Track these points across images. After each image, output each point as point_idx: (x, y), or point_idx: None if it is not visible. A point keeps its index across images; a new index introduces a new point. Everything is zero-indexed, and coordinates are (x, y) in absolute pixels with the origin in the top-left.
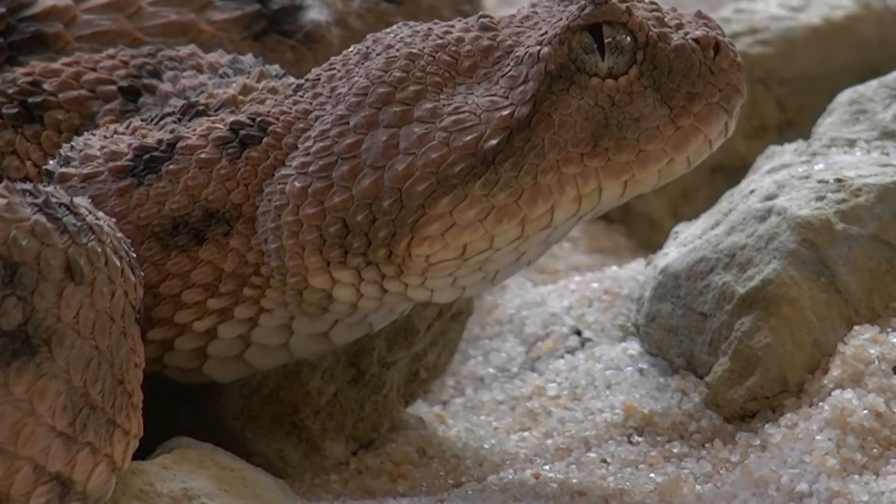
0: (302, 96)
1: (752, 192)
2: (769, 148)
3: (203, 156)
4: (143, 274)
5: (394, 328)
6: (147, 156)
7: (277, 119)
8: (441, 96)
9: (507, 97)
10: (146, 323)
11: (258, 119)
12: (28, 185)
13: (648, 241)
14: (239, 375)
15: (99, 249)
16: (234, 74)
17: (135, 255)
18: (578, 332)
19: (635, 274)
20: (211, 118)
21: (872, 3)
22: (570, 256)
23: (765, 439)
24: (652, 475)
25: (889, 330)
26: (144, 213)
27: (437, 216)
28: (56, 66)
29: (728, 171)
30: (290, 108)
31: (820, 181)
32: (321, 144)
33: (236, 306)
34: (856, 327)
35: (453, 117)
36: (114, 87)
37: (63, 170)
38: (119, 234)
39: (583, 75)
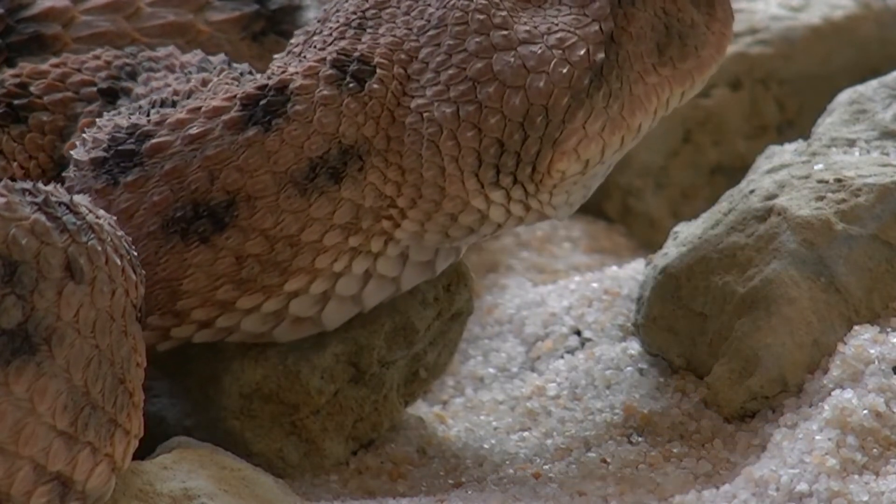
0: (358, 33)
1: (752, 192)
2: (769, 148)
3: (325, 92)
4: (143, 272)
5: (393, 327)
6: (263, 101)
7: (372, 52)
8: (523, 18)
9: (585, 15)
10: (280, 275)
11: (354, 55)
12: (28, 184)
13: (648, 241)
14: (346, 318)
15: (99, 248)
16: (197, 73)
17: (136, 254)
18: (578, 332)
19: (635, 274)
20: (296, 55)
21: (872, 3)
22: (570, 256)
23: (765, 439)
24: (652, 475)
25: (889, 330)
26: (282, 159)
27: (573, 130)
28: (44, 67)
29: (728, 171)
30: (377, 42)
31: (820, 181)
32: (449, 72)
33: (371, 239)
34: (856, 327)
35: (556, 35)
36: (95, 89)
37: (155, 141)
38: (120, 233)
39: None
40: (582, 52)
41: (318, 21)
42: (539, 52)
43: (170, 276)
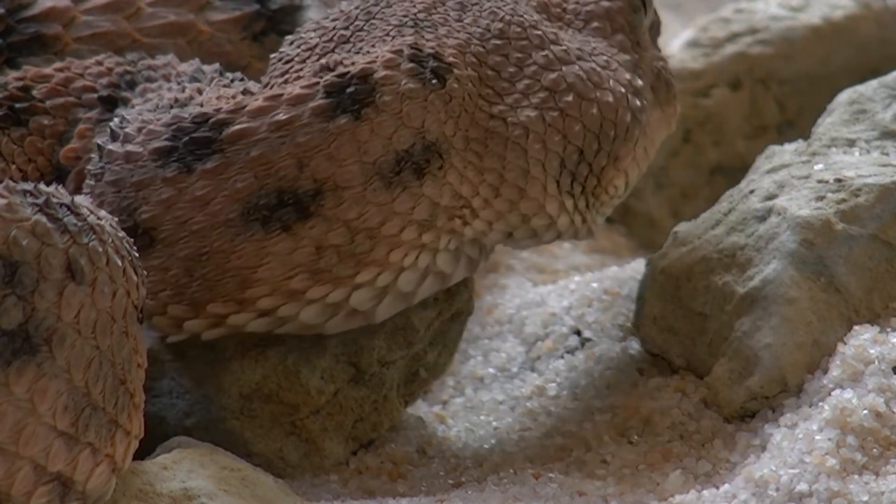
0: (418, 31)
1: (752, 192)
2: (769, 148)
3: (411, 85)
4: (145, 273)
5: (393, 327)
6: (349, 89)
7: (444, 50)
8: (564, 36)
9: (612, 45)
10: (354, 266)
11: (427, 50)
12: (29, 185)
13: (648, 241)
14: (395, 311)
15: (100, 249)
16: (190, 82)
17: (137, 255)
18: (578, 332)
19: (635, 274)
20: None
21: (872, 3)
22: (570, 256)
23: (765, 439)
24: (652, 475)
25: (889, 330)
26: (371, 150)
27: (629, 150)
28: (48, 71)
29: (728, 171)
30: (444, 42)
31: (820, 181)
32: (525, 83)
33: (441, 237)
34: (856, 327)
35: (602, 57)
36: (95, 96)
37: (237, 127)
38: (121, 234)
39: (640, 28)
40: (628, 76)
41: (333, 19)
42: (598, 69)
43: (244, 264)
